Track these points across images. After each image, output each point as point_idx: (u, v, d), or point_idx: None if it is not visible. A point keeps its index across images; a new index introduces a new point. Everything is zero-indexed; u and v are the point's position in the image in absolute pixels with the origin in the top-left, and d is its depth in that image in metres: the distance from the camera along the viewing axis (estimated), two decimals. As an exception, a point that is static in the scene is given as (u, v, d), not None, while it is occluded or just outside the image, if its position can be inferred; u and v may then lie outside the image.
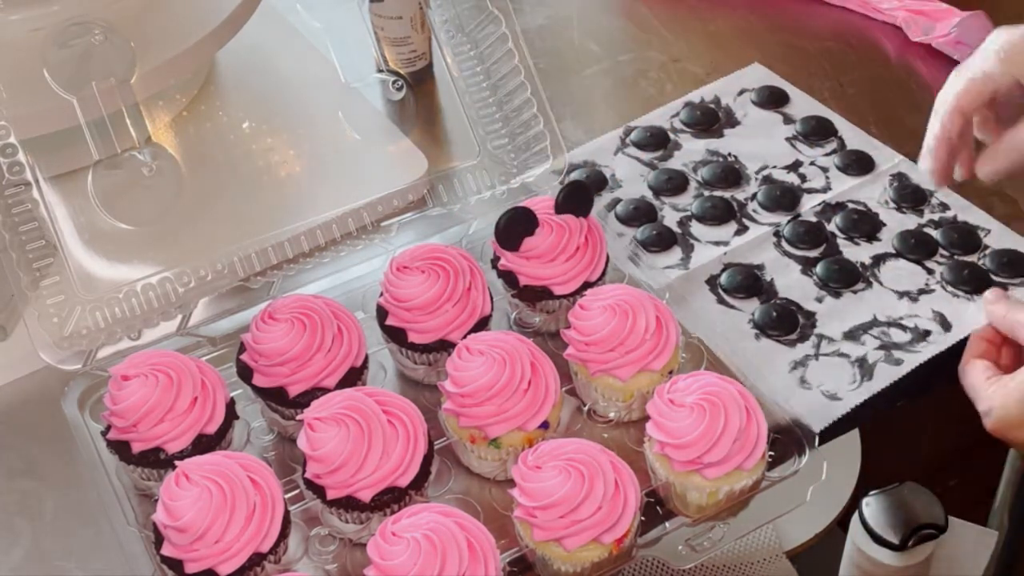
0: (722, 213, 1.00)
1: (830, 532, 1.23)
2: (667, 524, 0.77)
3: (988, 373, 0.82)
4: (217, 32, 0.93)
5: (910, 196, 1.00)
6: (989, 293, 0.87)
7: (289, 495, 0.76)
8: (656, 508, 0.77)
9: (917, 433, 1.33)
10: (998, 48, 0.82)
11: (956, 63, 1.13)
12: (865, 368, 0.87)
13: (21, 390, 0.88)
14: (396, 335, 0.84)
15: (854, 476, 1.28)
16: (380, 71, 1.07)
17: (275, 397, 0.80)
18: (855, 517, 1.19)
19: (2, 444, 0.85)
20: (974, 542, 1.23)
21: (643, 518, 0.75)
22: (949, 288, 0.92)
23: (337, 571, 0.75)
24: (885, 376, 0.86)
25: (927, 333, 0.89)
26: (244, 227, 0.91)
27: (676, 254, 0.97)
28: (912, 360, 0.87)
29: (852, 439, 1.31)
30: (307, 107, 0.99)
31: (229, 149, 0.98)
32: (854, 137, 1.07)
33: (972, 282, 0.92)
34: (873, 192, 1.01)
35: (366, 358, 0.83)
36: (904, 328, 0.89)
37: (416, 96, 1.07)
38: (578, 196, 0.88)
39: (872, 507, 1.17)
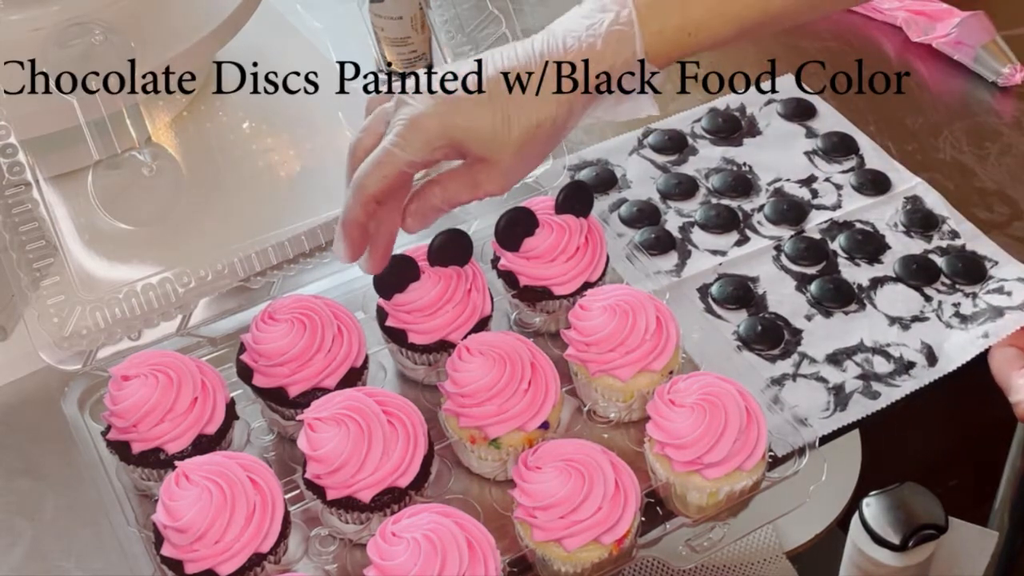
0: (725, 222, 0.99)
1: (830, 532, 1.23)
2: (667, 524, 0.77)
3: (1020, 363, 0.82)
4: (217, 32, 0.92)
5: (920, 220, 0.98)
6: None
7: (289, 495, 0.76)
8: (656, 508, 0.77)
9: (917, 433, 1.33)
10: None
11: (956, 63, 1.14)
12: (841, 397, 0.86)
13: (21, 390, 0.88)
14: (396, 335, 0.84)
15: (854, 476, 1.27)
16: (379, 71, 1.07)
17: (275, 397, 0.80)
18: (855, 517, 1.19)
19: (2, 444, 0.85)
20: (974, 542, 1.23)
21: (643, 518, 0.75)
22: (943, 318, 0.91)
23: (337, 571, 0.75)
24: (859, 409, 0.85)
25: (911, 365, 0.87)
26: (244, 227, 0.91)
27: (672, 259, 0.96)
28: (889, 395, 0.85)
29: (852, 439, 1.30)
30: (307, 107, 0.99)
31: (229, 149, 0.98)
32: (875, 157, 1.05)
33: (967, 315, 0.91)
34: (884, 213, 1.00)
35: (366, 358, 0.83)
36: (888, 357, 0.88)
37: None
38: (578, 196, 0.88)
39: (872, 507, 1.17)
